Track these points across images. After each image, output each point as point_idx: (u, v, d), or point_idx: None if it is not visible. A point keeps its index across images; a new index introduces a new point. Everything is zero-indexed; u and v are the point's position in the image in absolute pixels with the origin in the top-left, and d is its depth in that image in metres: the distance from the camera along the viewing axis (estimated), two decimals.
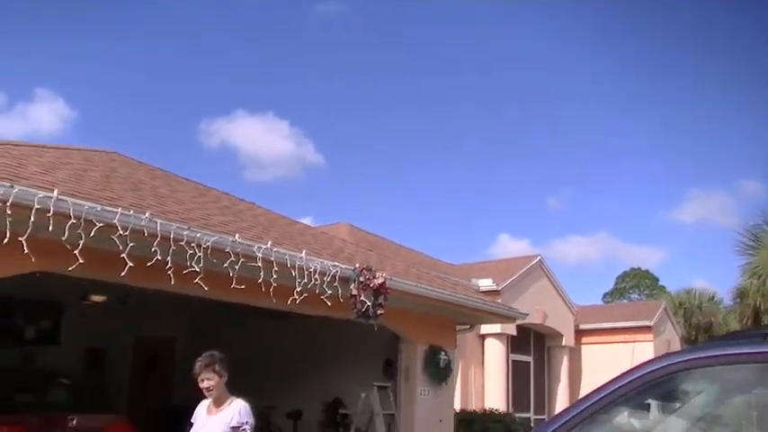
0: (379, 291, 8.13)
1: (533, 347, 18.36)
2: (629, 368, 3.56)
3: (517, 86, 66.13)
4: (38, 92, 61.24)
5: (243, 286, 6.61)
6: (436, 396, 10.67)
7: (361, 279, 7.98)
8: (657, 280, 63.49)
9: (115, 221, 5.59)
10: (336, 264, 7.77)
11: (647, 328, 19.55)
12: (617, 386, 3.26)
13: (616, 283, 60.60)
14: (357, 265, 8.09)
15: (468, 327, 11.92)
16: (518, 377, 17.00)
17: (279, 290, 7.01)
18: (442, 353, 10.73)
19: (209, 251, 6.29)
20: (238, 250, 6.61)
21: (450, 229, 75.55)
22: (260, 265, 6.80)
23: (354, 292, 7.91)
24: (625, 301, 55.45)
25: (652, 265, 63.94)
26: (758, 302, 29.41)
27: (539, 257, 18.02)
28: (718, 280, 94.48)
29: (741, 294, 30.86)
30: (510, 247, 69.54)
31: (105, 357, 12.32)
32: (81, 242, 5.36)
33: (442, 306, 10.08)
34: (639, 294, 60.61)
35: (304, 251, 7.48)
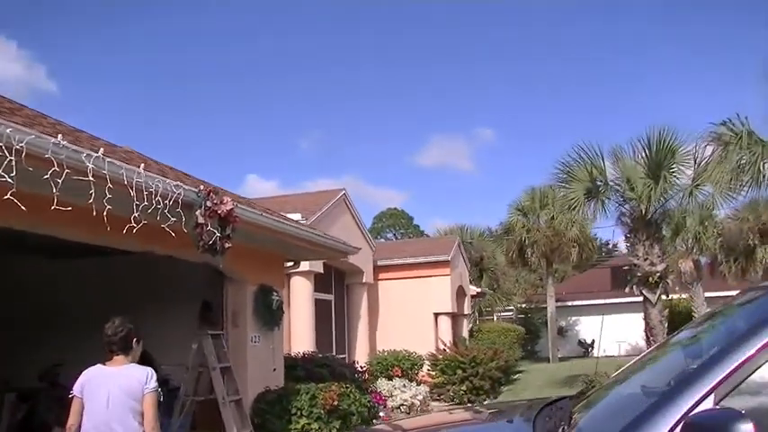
0: (227, 219, 6.58)
1: (334, 285, 17.52)
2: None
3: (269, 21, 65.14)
4: None
5: (69, 208, 4.80)
6: (268, 342, 9.36)
7: (208, 204, 6.38)
8: (412, 219, 66.67)
9: None
10: (179, 184, 6.09)
11: (445, 263, 19.55)
12: None
13: (373, 223, 62.48)
14: (202, 188, 6.46)
15: (293, 264, 10.66)
16: (320, 316, 16.05)
17: (112, 216, 5.27)
18: (274, 293, 9.41)
19: (22, 155, 4.39)
20: (62, 158, 4.74)
21: (197, 168, 73.62)
22: (91, 179, 5.00)
23: (201, 219, 6.30)
24: (382, 240, 57.35)
25: (397, 206, 67.64)
26: (523, 237, 31.32)
27: (343, 192, 17.04)
28: (458, 217, 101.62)
29: (508, 230, 32.71)
30: (259, 187, 69.56)
31: None
32: None
33: (276, 240, 8.68)
34: (395, 233, 63.17)
35: (142, 166, 5.71)
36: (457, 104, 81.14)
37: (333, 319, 17.22)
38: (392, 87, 79.18)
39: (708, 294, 30.89)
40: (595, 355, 36.52)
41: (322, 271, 15.19)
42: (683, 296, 31.03)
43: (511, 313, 37.99)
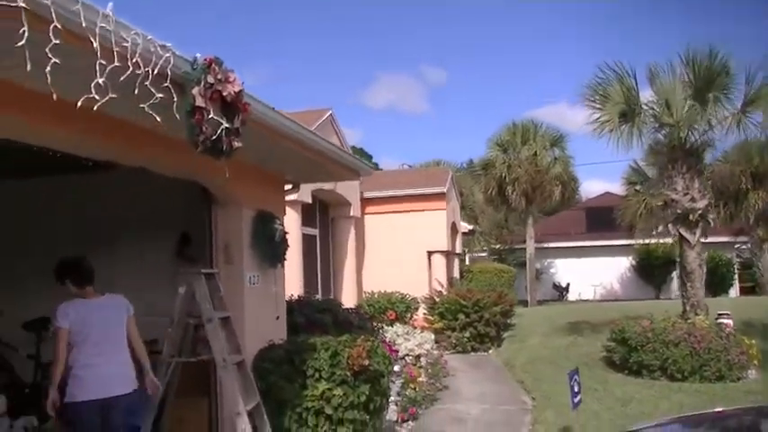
0: (235, 105, 4.48)
1: (319, 219, 15.50)
2: None
3: None
4: None
5: None
6: (269, 283, 7.35)
7: (210, 80, 4.26)
8: (371, 157, 64.65)
9: None
10: (167, 45, 3.96)
11: (440, 196, 17.62)
12: None
13: None
14: (199, 56, 4.32)
15: (292, 187, 8.58)
16: (306, 254, 14.08)
17: (62, 84, 3.20)
18: (277, 221, 7.38)
19: None
20: None
21: None
22: (22, 4, 2.87)
23: (200, 101, 4.19)
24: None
25: (353, 144, 66.00)
26: (504, 173, 29.58)
27: (330, 112, 14.90)
28: (410, 157, 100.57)
29: (486, 165, 30.91)
30: None
31: None
32: None
33: (282, 151, 6.52)
34: None
35: (110, 5, 3.55)
36: (403, 43, 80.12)
37: (318, 256, 15.26)
38: (336, 24, 77.03)
39: None
40: (570, 298, 35.49)
41: (310, 201, 13.19)
42: (663, 241, 29.69)
43: (485, 254, 36.48)
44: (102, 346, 4.87)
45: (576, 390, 7.18)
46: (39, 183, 7.80)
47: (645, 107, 12.73)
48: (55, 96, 3.16)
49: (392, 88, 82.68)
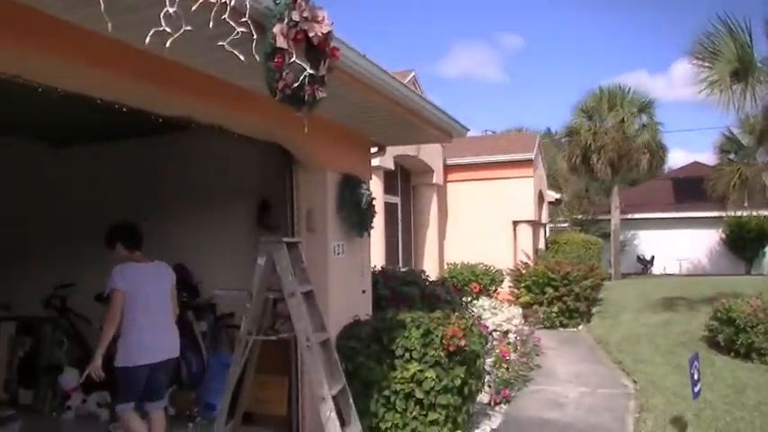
0: (323, 49, 3.84)
1: (400, 186, 14.89)
2: None
3: None
4: None
5: None
6: (354, 253, 6.78)
7: (294, 17, 3.64)
8: None
9: None
10: None
11: (527, 163, 16.72)
12: None
13: None
14: None
15: (378, 150, 7.95)
16: (388, 223, 13.51)
17: (123, 22, 2.68)
18: (363, 186, 6.78)
19: None
20: None
21: None
22: None
23: (282, 42, 3.57)
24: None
25: None
26: (588, 141, 28.20)
27: (413, 73, 14.17)
28: (488, 127, 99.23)
29: (571, 133, 29.53)
30: None
31: None
32: None
33: (370, 107, 5.88)
34: None
35: None
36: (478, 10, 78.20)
37: (399, 225, 14.67)
38: None
39: None
40: (654, 272, 33.93)
41: (392, 167, 12.57)
42: (756, 213, 27.83)
43: (566, 224, 35.15)
44: (154, 312, 4.95)
45: (695, 377, 6.41)
46: (111, 147, 7.44)
47: (760, 65, 11.55)
48: (110, 26, 2.61)
49: (467, 57, 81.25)
